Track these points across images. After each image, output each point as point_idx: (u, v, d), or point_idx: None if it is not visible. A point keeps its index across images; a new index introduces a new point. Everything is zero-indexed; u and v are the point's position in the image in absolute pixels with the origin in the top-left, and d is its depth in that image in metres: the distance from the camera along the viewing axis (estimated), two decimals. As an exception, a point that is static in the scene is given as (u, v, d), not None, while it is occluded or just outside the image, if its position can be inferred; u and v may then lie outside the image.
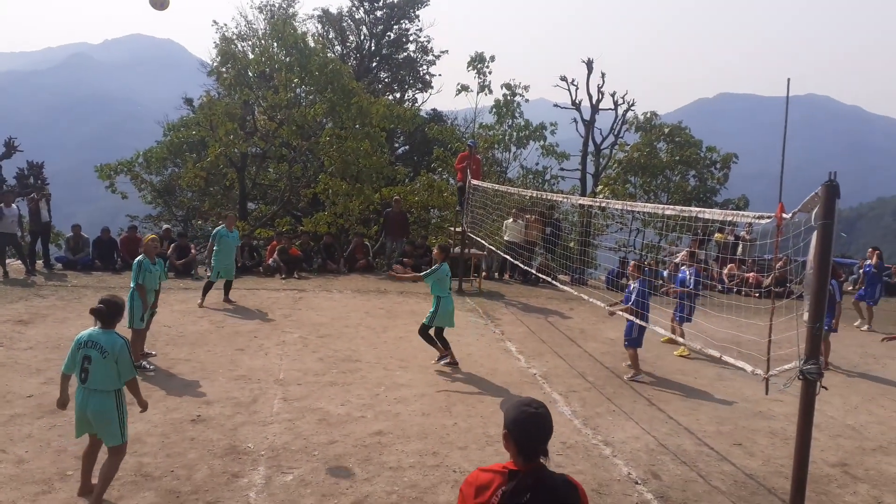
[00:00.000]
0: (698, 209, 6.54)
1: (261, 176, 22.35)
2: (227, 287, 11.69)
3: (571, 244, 16.05)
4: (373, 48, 30.70)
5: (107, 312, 4.84)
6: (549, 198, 14.19)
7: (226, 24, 24.75)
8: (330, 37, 30.02)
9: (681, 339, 9.10)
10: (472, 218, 13.72)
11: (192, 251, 14.59)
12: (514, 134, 21.48)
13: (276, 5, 27.08)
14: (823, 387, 4.54)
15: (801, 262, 4.99)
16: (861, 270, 12.93)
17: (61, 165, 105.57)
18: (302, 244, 15.45)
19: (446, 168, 21.11)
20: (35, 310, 10.28)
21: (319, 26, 30.08)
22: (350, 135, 17.70)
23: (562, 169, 22.34)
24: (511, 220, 15.15)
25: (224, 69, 19.52)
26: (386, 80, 31.11)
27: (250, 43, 24.10)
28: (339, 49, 30.11)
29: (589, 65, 22.93)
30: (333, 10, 30.35)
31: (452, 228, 15.22)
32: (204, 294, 11.32)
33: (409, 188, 19.60)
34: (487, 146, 21.37)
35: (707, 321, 9.14)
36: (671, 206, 7.31)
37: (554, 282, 12.40)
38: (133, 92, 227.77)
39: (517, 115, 21.47)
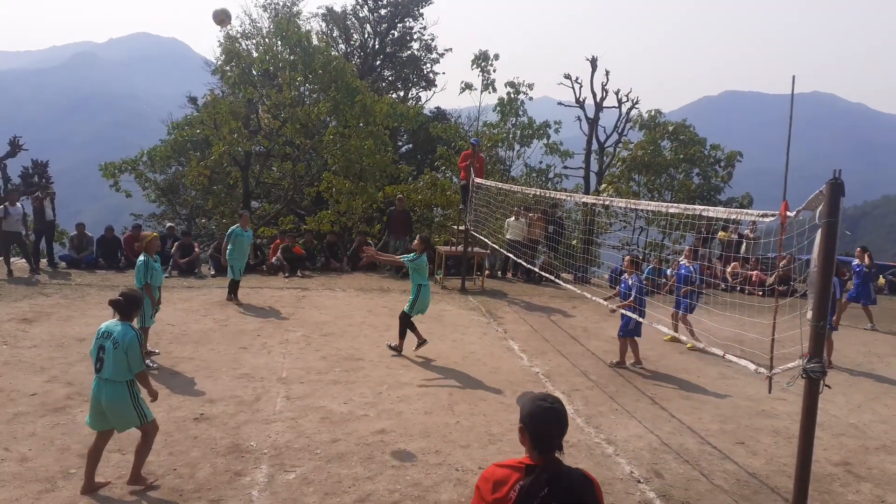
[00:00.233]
0: (702, 207, 6.53)
1: (264, 174, 22.39)
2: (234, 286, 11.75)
3: (574, 242, 16.04)
4: (376, 46, 30.69)
5: (125, 304, 4.99)
6: (552, 196, 14.17)
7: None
8: (334, 35, 30.06)
9: (684, 338, 9.09)
10: (476, 216, 13.72)
11: (196, 249, 14.61)
12: (518, 132, 21.46)
13: (281, 4, 27.13)
14: (827, 385, 4.52)
15: (805, 261, 4.97)
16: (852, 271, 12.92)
17: (66, 163, 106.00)
18: (305, 243, 15.47)
19: (450, 166, 21.11)
20: (39, 308, 10.32)
21: (323, 24, 30.16)
22: (354, 133, 17.73)
23: (565, 167, 22.33)
24: (513, 218, 15.13)
25: (228, 67, 19.54)
26: (390, 78, 31.12)
27: (254, 41, 24.14)
28: (343, 47, 30.14)
29: (593, 63, 22.91)
30: (337, 9, 30.46)
31: (456, 227, 15.21)
32: (232, 292, 11.53)
33: (413, 186, 19.61)
34: (491, 144, 21.39)
35: (710, 319, 9.13)
36: (675, 205, 7.30)
37: (557, 280, 12.40)
38: (138, 90, 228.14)
39: (521, 113, 21.45)
